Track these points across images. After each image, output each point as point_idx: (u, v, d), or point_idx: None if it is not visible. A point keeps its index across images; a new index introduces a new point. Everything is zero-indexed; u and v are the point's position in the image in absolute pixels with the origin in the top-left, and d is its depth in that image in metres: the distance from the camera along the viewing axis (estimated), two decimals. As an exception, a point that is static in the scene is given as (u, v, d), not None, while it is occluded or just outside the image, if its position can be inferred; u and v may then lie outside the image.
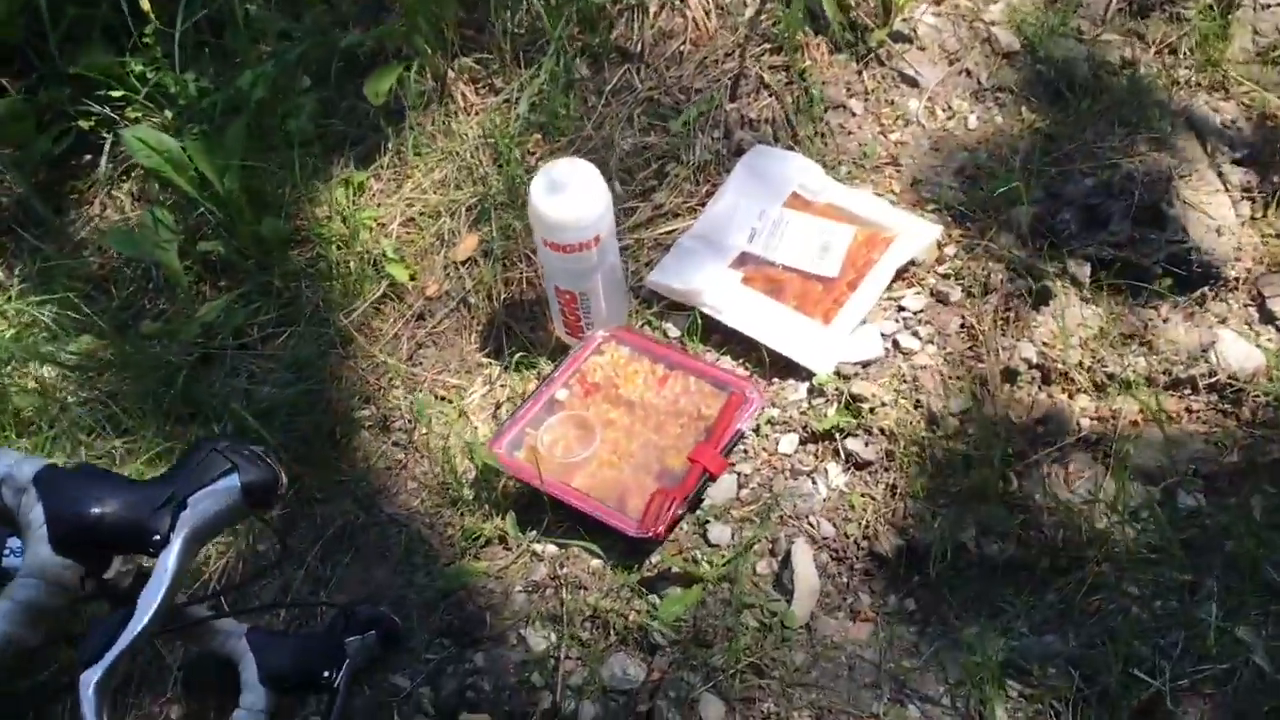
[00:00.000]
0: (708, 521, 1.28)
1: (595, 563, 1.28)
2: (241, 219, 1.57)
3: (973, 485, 1.26)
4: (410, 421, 1.43)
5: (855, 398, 1.34)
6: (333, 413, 1.44)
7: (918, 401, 1.34)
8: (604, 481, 1.29)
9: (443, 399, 1.46)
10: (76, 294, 1.63)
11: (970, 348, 1.39)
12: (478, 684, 1.22)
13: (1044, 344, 1.37)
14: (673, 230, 1.56)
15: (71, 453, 1.44)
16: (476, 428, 1.43)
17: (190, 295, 1.59)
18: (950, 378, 1.36)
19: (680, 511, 1.25)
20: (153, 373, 1.49)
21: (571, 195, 1.30)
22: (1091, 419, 1.32)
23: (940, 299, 1.44)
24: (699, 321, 1.44)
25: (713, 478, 1.27)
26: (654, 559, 1.26)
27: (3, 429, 1.48)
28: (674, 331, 1.47)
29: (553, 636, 1.23)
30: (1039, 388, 1.35)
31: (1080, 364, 1.35)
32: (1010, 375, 1.35)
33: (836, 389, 1.36)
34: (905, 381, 1.36)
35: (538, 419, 1.35)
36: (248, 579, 1.34)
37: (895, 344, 1.40)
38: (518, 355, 1.46)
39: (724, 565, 1.24)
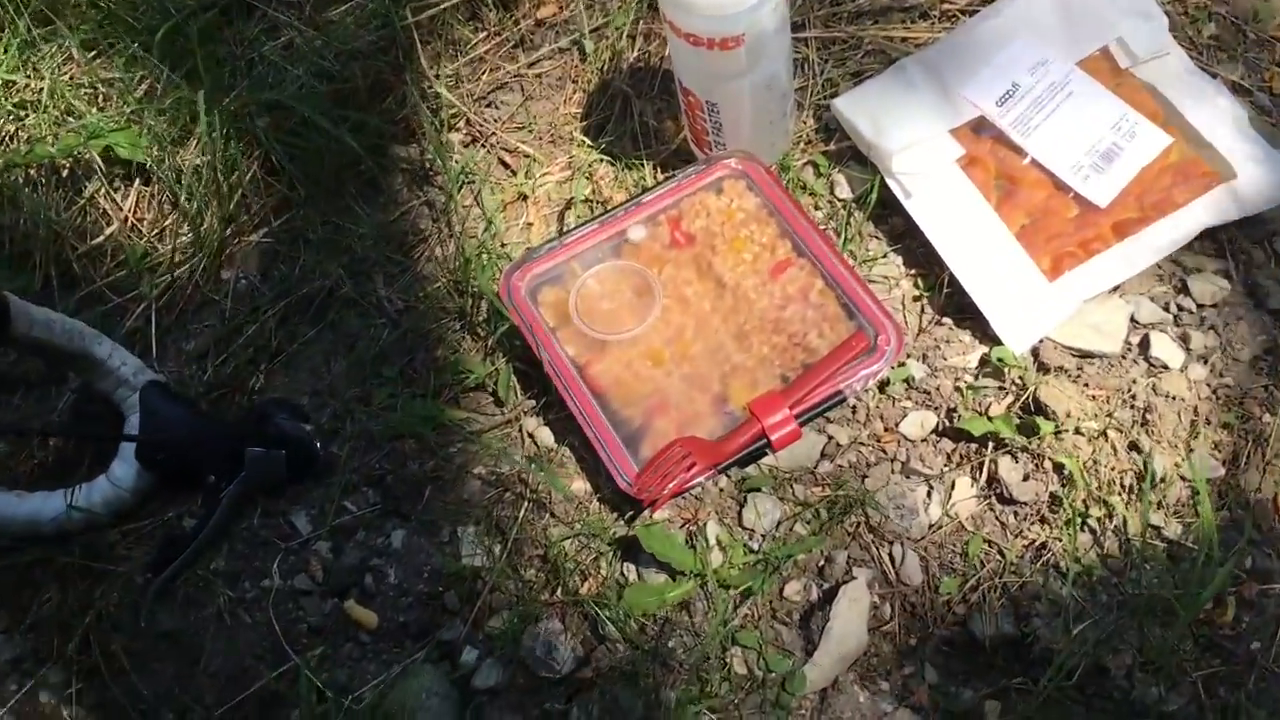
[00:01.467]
0: (753, 491, 0.89)
1: (580, 485, 0.92)
2: None
3: (1161, 595, 0.80)
4: (454, 182, 1.05)
5: (1041, 404, 0.88)
6: (365, 132, 1.07)
7: (1135, 444, 0.86)
8: (631, 386, 0.90)
9: (506, 168, 1.06)
10: None
11: (1268, 387, 0.88)
12: (383, 570, 0.92)
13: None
14: (903, 39, 1.04)
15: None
16: (530, 225, 1.03)
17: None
18: (1210, 423, 0.86)
19: (699, 481, 0.85)
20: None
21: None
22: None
23: (1256, 296, 0.90)
24: (875, 194, 0.96)
25: (772, 449, 0.85)
26: (654, 515, 0.88)
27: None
28: (842, 192, 1.00)
29: (489, 558, 0.90)
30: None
31: None
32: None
33: (1019, 378, 0.89)
34: (1133, 407, 0.87)
35: (591, 256, 0.95)
36: (184, 316, 1.05)
37: (1144, 344, 0.89)
38: (625, 144, 1.04)
39: (741, 566, 0.86)
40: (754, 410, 0.85)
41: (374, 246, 1.04)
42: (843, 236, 0.97)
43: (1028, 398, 0.88)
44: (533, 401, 0.96)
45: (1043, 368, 0.89)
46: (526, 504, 0.91)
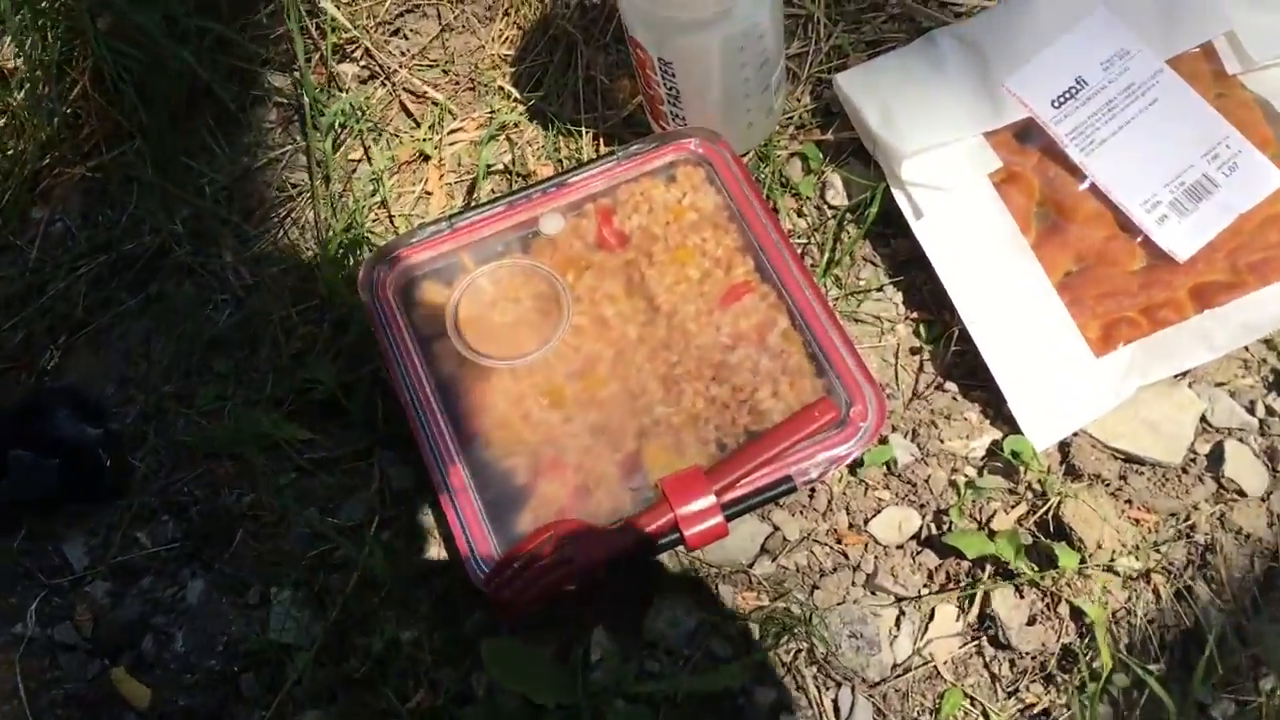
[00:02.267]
0: (656, 595, 0.66)
1: (437, 551, 0.69)
2: None
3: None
4: (339, 129, 0.81)
5: (1064, 524, 0.64)
6: (230, 52, 0.83)
7: (1187, 593, 0.63)
8: (516, 430, 0.66)
9: (409, 116, 0.82)
10: None
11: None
12: (168, 632, 0.69)
13: None
14: (941, 3, 0.79)
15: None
16: (428, 194, 0.80)
17: None
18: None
19: (573, 587, 0.61)
20: None
21: None
22: None
23: (1369, 403, 0.67)
24: (876, 205, 0.72)
25: (686, 546, 0.62)
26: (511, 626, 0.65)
27: None
28: (836, 198, 0.76)
29: (304, 636, 0.67)
30: None
31: None
32: None
33: (1039, 483, 0.66)
34: (1190, 540, 0.64)
35: (490, 248, 0.71)
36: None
37: (1215, 457, 0.66)
38: (564, 103, 0.80)
39: (628, 698, 0.63)
40: (667, 491, 0.61)
41: (225, 200, 0.80)
42: (826, 257, 0.73)
43: (1047, 512, 0.65)
44: (398, 429, 0.72)
45: (1073, 472, 0.66)
46: (359, 571, 0.68)
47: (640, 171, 0.72)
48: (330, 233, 0.77)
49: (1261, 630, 0.62)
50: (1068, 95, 0.69)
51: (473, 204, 0.75)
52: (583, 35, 0.81)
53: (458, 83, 0.81)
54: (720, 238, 0.70)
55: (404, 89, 0.81)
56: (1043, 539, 0.64)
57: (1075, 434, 0.66)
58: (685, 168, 0.72)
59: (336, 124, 0.80)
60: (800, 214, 0.76)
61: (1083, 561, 0.63)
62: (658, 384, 0.66)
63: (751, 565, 0.67)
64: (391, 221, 0.78)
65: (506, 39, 0.82)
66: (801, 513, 0.68)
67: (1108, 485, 0.65)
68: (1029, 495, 0.66)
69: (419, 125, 0.81)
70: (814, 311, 0.66)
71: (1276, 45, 0.70)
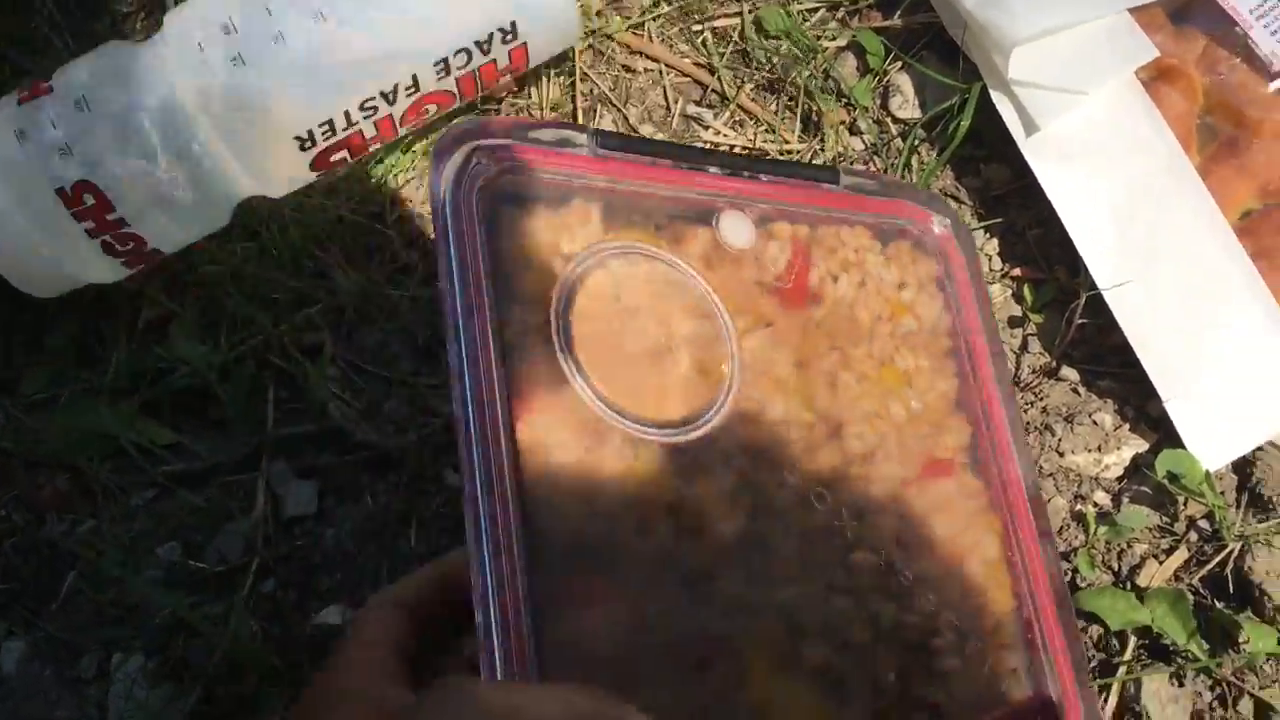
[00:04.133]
0: None
1: (335, 610, 0.49)
2: None
3: None
4: None
5: (1248, 581, 0.44)
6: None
7: None
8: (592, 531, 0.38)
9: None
10: None
11: None
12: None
13: None
14: None
15: None
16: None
17: None
18: None
19: None
20: None
21: None
22: None
23: None
24: (967, 118, 0.51)
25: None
26: None
27: None
28: (904, 109, 0.54)
29: (152, 729, 0.48)
30: None
31: None
32: None
33: (1211, 519, 0.45)
34: None
35: (633, 212, 0.43)
36: None
37: None
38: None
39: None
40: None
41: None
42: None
43: (1223, 564, 0.45)
44: (294, 429, 0.52)
45: (1260, 504, 0.46)
46: (230, 638, 0.48)
47: (853, 216, 0.47)
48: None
49: None
50: (1255, -54, 0.48)
51: (636, 136, 0.53)
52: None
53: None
54: (935, 378, 0.45)
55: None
56: (1216, 604, 0.44)
57: (1262, 448, 0.46)
58: (909, 246, 0.46)
59: None
60: (853, 130, 0.55)
61: (1281, 639, 0.43)
62: (802, 553, 0.40)
63: None
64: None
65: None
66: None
67: (1314, 522, 0.45)
68: (1193, 537, 0.46)
69: None
70: (1037, 547, 0.43)
71: None
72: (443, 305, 0.38)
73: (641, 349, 0.41)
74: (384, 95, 0.49)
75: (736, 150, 0.56)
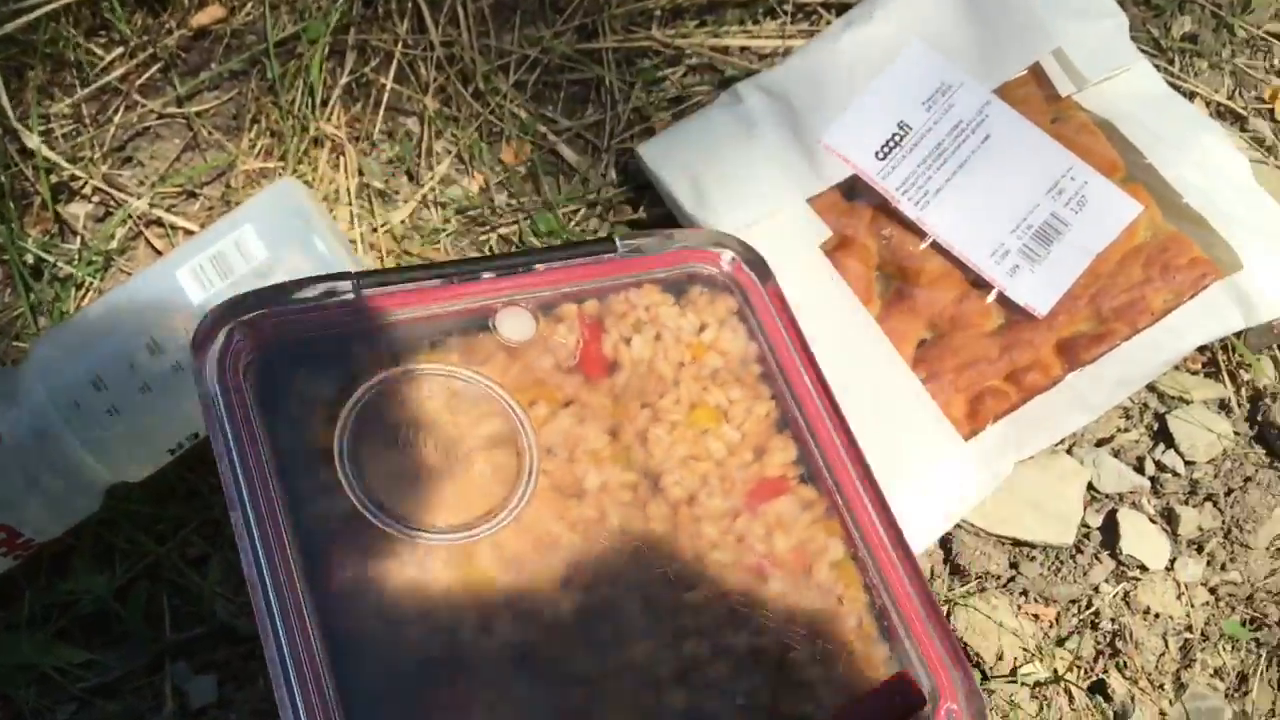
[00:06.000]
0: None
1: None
2: None
3: None
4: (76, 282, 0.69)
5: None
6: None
7: (1100, 684, 0.56)
8: (403, 648, 0.42)
9: (157, 254, 0.71)
10: None
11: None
12: None
13: None
14: (743, 48, 0.71)
15: None
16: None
17: None
18: (1208, 639, 0.57)
19: None
20: None
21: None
22: None
23: (1267, 440, 0.61)
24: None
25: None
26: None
27: None
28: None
29: None
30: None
31: None
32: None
33: (926, 591, 0.58)
34: (1096, 628, 0.57)
35: (408, 339, 0.49)
36: None
37: (1109, 528, 0.59)
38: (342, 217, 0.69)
39: None
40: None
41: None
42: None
43: (937, 625, 0.57)
44: (189, 632, 0.62)
45: (958, 573, 0.58)
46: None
47: (641, 278, 0.51)
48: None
49: (1184, 710, 0.56)
50: (891, 144, 0.62)
51: (400, 266, 0.58)
52: (349, 135, 0.70)
53: (211, 207, 0.70)
54: (750, 404, 0.49)
55: (147, 221, 0.70)
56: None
57: (954, 529, 0.59)
58: (701, 289, 0.51)
59: (80, 275, 0.68)
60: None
61: (984, 678, 0.55)
62: (644, 610, 0.44)
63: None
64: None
65: (260, 149, 0.71)
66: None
67: (999, 580, 0.58)
68: (915, 606, 0.58)
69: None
70: (881, 539, 0.47)
71: (1110, 57, 0.63)
72: (225, 486, 0.41)
73: (436, 464, 0.44)
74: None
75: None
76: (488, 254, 0.58)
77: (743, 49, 0.71)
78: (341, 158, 0.70)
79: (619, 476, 0.46)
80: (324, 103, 0.70)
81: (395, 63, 0.70)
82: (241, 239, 0.60)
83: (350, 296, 0.45)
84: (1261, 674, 0.58)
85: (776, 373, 0.49)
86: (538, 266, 0.49)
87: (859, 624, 0.45)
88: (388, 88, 0.70)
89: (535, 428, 0.46)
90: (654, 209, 0.68)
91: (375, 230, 0.69)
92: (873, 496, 0.47)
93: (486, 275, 0.48)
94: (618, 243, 0.49)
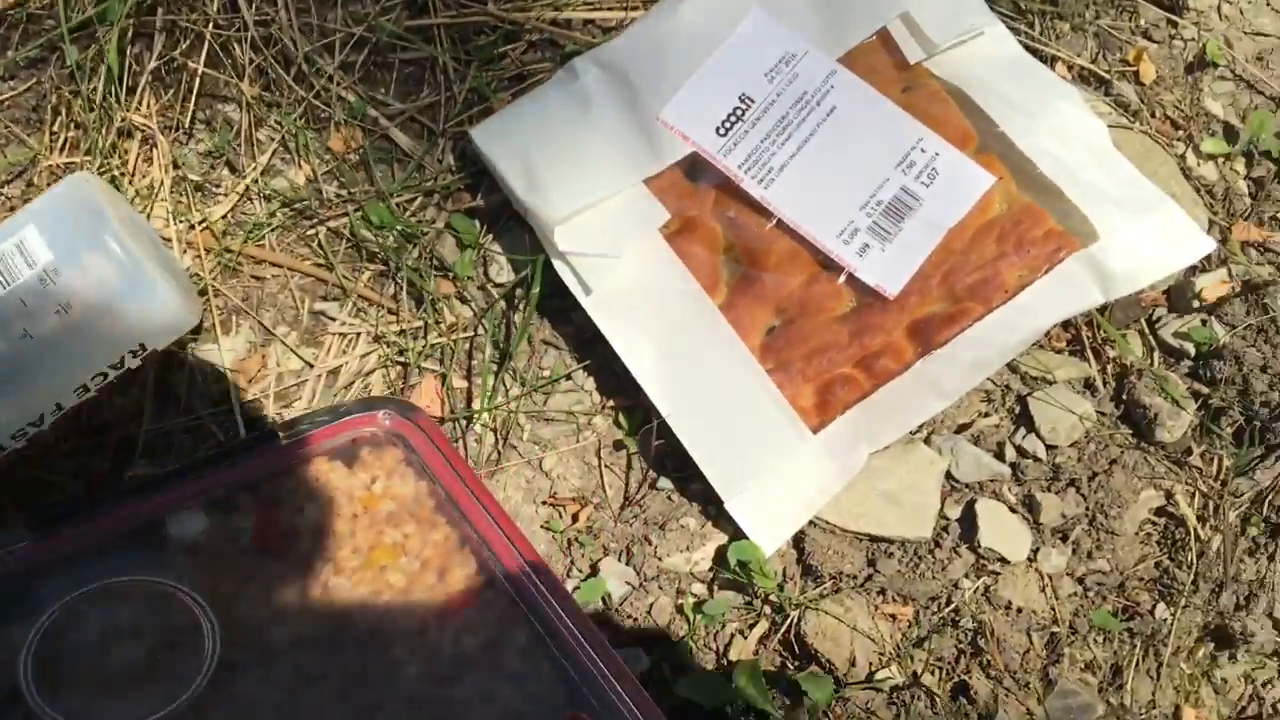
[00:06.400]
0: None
1: None
2: None
3: None
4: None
5: (807, 646, 0.53)
6: None
7: (963, 685, 0.53)
8: None
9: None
10: None
11: (1160, 562, 0.56)
12: None
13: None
14: (585, 22, 0.67)
15: None
16: None
17: None
18: (1077, 632, 0.54)
19: None
20: None
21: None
22: None
23: (1134, 420, 0.58)
24: (538, 284, 0.60)
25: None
26: None
27: None
28: (501, 274, 0.63)
29: None
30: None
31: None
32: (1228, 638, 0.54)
33: (773, 597, 0.54)
34: (956, 626, 0.54)
35: (83, 567, 0.53)
36: None
37: (968, 520, 0.56)
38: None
39: None
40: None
41: None
42: (499, 349, 0.60)
43: (789, 628, 0.54)
44: None
45: (811, 574, 0.55)
46: None
47: (309, 454, 0.55)
48: None
49: (1053, 709, 0.53)
50: (733, 119, 0.58)
51: (54, 507, 0.58)
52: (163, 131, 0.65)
53: (12, 208, 0.65)
54: (427, 533, 0.53)
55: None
56: (790, 664, 0.53)
57: (806, 527, 0.55)
58: (369, 449, 0.55)
59: None
60: (462, 299, 0.63)
61: (838, 686, 0.52)
62: None
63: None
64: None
65: (65, 143, 0.65)
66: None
67: (855, 579, 0.55)
68: (768, 611, 0.55)
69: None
70: (563, 620, 0.50)
71: (960, 21, 0.60)
72: None
73: (122, 668, 0.49)
74: (31, 424, 0.54)
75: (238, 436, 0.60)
76: (141, 477, 0.59)
77: (585, 22, 0.66)
78: (154, 150, 0.65)
79: (311, 633, 0.50)
80: (131, 90, 0.64)
81: (207, 45, 0.64)
82: (24, 240, 0.55)
83: (26, 542, 0.51)
84: (1138, 664, 0.55)
85: (446, 500, 0.54)
86: (204, 473, 0.54)
87: (550, 694, 0.49)
88: (200, 72, 0.64)
89: (221, 609, 0.50)
90: (492, 195, 0.63)
91: (193, 228, 0.64)
92: (553, 589, 0.51)
93: (154, 493, 0.53)
94: (279, 431, 0.54)
